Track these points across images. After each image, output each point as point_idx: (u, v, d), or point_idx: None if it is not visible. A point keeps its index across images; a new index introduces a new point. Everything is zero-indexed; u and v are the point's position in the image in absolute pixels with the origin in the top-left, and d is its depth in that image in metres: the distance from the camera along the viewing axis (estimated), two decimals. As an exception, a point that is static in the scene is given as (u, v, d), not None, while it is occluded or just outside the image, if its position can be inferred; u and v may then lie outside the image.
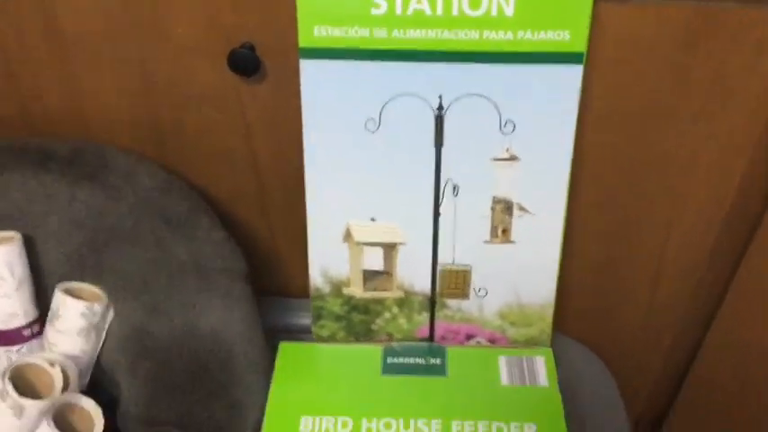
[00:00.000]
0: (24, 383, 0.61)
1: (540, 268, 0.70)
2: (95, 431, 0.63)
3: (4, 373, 0.59)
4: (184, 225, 0.66)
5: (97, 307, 0.67)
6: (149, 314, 0.66)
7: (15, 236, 0.68)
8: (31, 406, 0.59)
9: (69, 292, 0.68)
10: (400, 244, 0.70)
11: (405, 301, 0.73)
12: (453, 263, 0.71)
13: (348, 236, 0.71)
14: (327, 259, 0.71)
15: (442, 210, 0.68)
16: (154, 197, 0.67)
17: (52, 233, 0.68)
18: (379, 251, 0.71)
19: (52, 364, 0.62)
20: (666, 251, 0.84)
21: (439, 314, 0.73)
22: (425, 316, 0.74)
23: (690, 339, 0.99)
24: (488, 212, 0.68)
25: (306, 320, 0.74)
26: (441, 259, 0.71)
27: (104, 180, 0.67)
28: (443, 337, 0.74)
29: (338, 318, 0.74)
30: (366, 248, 0.71)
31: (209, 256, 0.66)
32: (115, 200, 0.66)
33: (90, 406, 0.63)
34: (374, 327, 0.74)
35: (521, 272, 0.70)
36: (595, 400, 0.73)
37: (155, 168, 0.68)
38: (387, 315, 0.74)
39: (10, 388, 0.58)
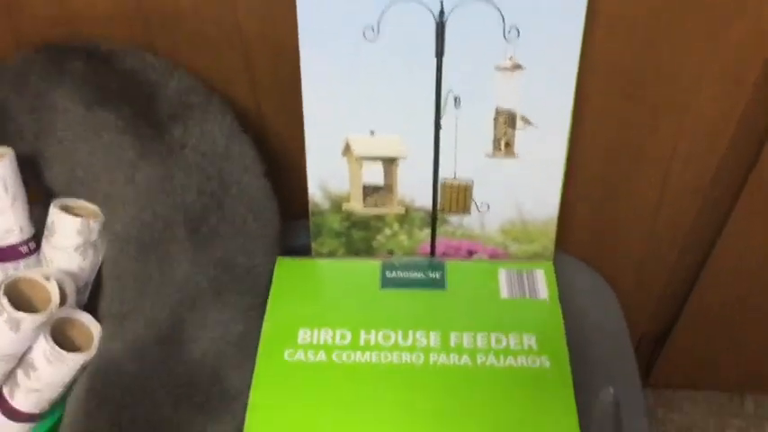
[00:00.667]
0: (20, 298, 0.60)
1: (544, 183, 0.68)
2: (93, 345, 0.62)
3: (1, 284, 0.59)
4: None
5: (93, 224, 0.66)
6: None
7: (7, 151, 0.66)
8: (27, 320, 0.58)
9: (65, 209, 0.67)
10: (400, 158, 0.69)
11: (405, 218, 0.72)
12: (455, 177, 0.69)
13: (347, 150, 0.69)
14: (326, 174, 0.70)
15: (443, 122, 0.67)
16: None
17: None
18: (379, 166, 0.70)
19: (48, 279, 0.61)
20: (672, 168, 0.82)
21: (440, 230, 0.72)
22: (426, 232, 0.73)
23: (694, 258, 0.99)
24: (491, 125, 0.66)
25: (304, 241, 0.73)
26: (442, 174, 0.70)
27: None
28: (445, 254, 0.73)
29: (338, 234, 0.73)
30: (366, 163, 0.69)
31: None
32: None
33: (88, 320, 0.63)
34: (375, 243, 0.73)
35: (524, 186, 0.69)
36: (598, 319, 0.72)
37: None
38: (387, 231, 0.73)
39: (5, 301, 0.58)
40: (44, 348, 0.60)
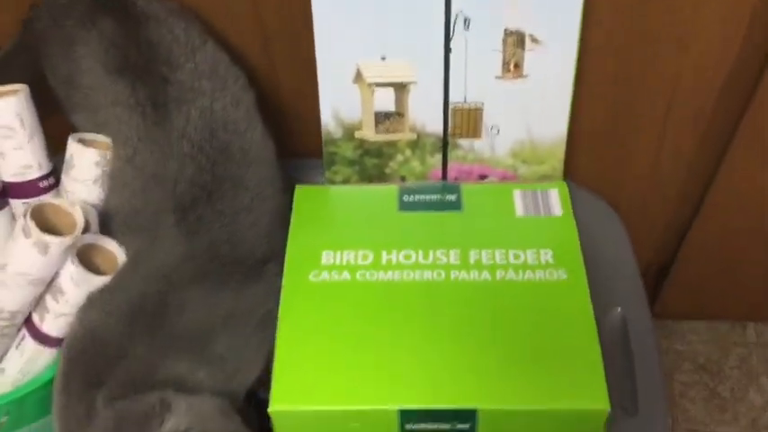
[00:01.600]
0: (46, 224, 0.61)
1: (553, 102, 0.69)
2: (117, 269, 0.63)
3: (25, 212, 0.59)
4: None
5: (110, 155, 0.67)
6: None
7: (22, 88, 0.67)
8: (55, 243, 0.59)
9: (83, 142, 0.67)
10: (411, 83, 0.70)
11: (417, 143, 0.73)
12: (465, 101, 0.70)
13: (358, 77, 0.70)
14: (338, 102, 0.71)
15: (452, 45, 0.67)
16: None
17: None
18: (391, 92, 0.71)
19: (72, 206, 0.62)
20: (675, 97, 0.83)
21: (451, 155, 0.73)
22: (438, 158, 0.74)
23: (697, 187, 1.00)
24: (500, 46, 0.67)
25: (318, 179, 0.74)
26: (452, 98, 0.70)
27: None
28: (456, 179, 0.74)
29: (351, 162, 0.74)
30: (377, 89, 0.70)
31: None
32: None
33: (111, 245, 0.64)
34: (387, 170, 0.74)
35: (533, 108, 0.70)
36: (605, 244, 0.73)
37: None
38: (399, 158, 0.74)
39: (32, 225, 0.58)
40: (71, 272, 0.61)
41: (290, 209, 0.68)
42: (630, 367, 0.80)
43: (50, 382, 0.67)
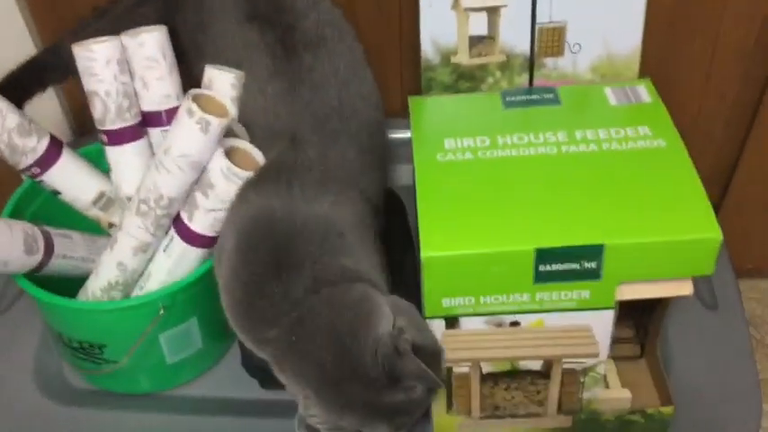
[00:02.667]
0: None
1: (628, 15, 0.79)
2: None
3: (187, 97, 0.67)
4: None
5: (242, 78, 0.75)
6: None
7: (162, 27, 0.76)
8: (215, 122, 0.67)
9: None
10: (502, 6, 0.79)
11: (506, 65, 0.82)
12: (550, 20, 0.80)
13: (456, 3, 0.79)
14: (437, 30, 0.80)
15: (539, -32, 0.77)
16: None
17: None
18: (484, 16, 0.80)
19: (224, 98, 0.70)
20: (721, 32, 0.93)
21: (537, 74, 0.82)
22: (525, 77, 0.83)
23: (740, 128, 1.08)
24: (581, -34, 0.77)
25: (405, 135, 0.79)
26: (538, 18, 0.80)
27: None
28: (543, 95, 0.82)
29: (447, 87, 0.82)
30: (471, 14, 0.80)
31: None
32: None
33: (251, 149, 0.72)
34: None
35: (610, 23, 0.79)
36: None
37: None
38: (490, 80, 0.83)
39: (194, 106, 0.66)
40: (221, 166, 0.68)
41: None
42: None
43: (198, 281, 0.73)
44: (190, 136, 0.66)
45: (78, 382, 0.84)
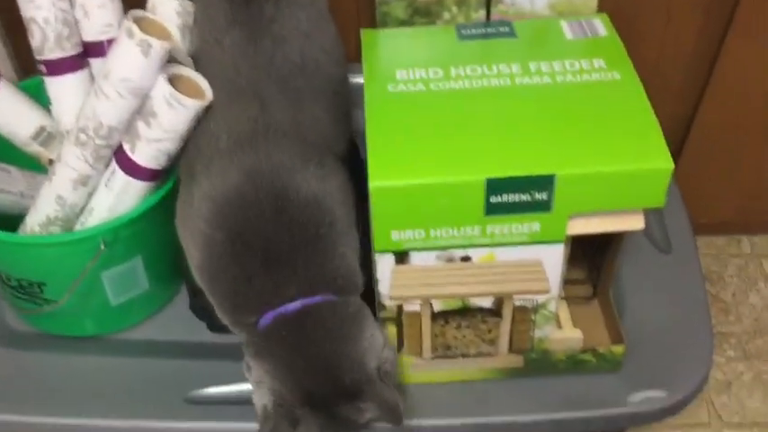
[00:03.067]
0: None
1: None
2: (206, 97, 0.68)
3: (127, 16, 0.64)
4: None
5: (189, 7, 0.72)
6: None
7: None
8: (156, 45, 0.64)
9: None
10: (458, -62, 0.77)
11: (463, 0, 0.80)
12: (506, -46, 0.78)
13: (410, -66, 0.77)
14: (391, -39, 0.78)
15: None
16: None
17: None
18: (439, -52, 0.78)
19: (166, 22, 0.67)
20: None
21: (494, 10, 0.81)
22: (482, 13, 0.81)
23: (697, 81, 1.08)
24: None
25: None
26: (495, -49, 0.78)
27: None
28: (499, 32, 0.81)
29: (402, 23, 0.80)
30: (426, -54, 0.77)
31: None
32: None
33: (196, 76, 0.69)
34: (435, 27, 0.81)
35: (567, -42, 0.78)
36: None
37: None
38: (446, 16, 0.81)
39: (135, 27, 0.63)
40: (164, 92, 0.66)
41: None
42: (661, 213, 0.88)
43: (143, 217, 0.71)
44: (130, 59, 0.63)
45: (19, 324, 0.82)
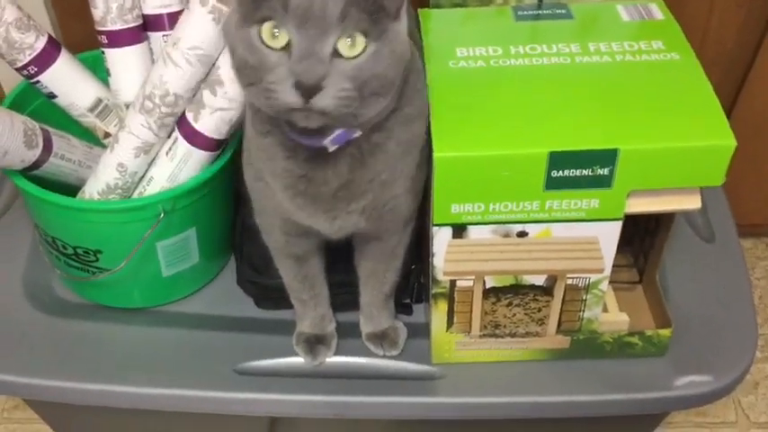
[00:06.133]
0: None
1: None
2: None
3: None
4: None
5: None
6: None
7: None
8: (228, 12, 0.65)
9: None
10: None
11: (518, -18, 0.81)
12: (563, -61, 0.79)
13: None
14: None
15: None
16: None
17: None
18: (496, -69, 0.79)
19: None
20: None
21: (548, -6, 0.81)
22: (535, -2, 0.81)
23: (735, 77, 1.09)
24: None
25: None
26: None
27: None
28: (552, 16, 0.82)
29: (456, 5, 0.81)
30: (484, -71, 0.78)
31: None
32: None
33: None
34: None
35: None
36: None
37: None
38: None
39: (211, -6, 0.64)
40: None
41: None
42: (704, 204, 0.88)
43: (201, 187, 0.71)
44: (201, 27, 0.64)
45: (69, 294, 0.82)
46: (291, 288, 0.73)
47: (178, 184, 0.71)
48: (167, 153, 0.71)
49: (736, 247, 0.86)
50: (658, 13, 0.73)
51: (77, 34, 0.76)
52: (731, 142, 0.62)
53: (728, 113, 1.10)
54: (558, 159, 0.62)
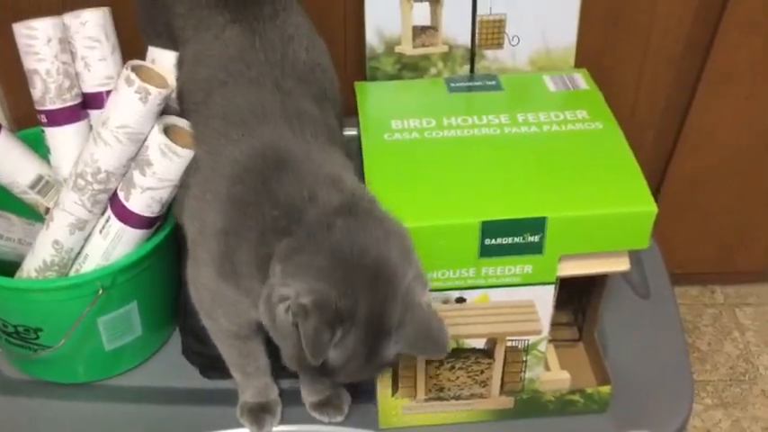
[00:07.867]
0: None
1: (564, 11, 0.82)
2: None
3: (126, 66, 0.67)
4: None
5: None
6: None
7: (104, 8, 0.75)
8: (154, 92, 0.66)
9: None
10: (445, -4, 0.82)
11: (448, 56, 0.84)
12: (490, 12, 0.82)
13: (400, -8, 0.81)
14: (382, 19, 0.82)
15: (480, -39, 0.80)
16: None
17: None
18: (426, 6, 0.82)
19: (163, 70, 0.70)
20: (651, 37, 0.97)
21: (478, 65, 0.85)
22: (466, 68, 0.85)
23: (670, 132, 1.13)
24: (520, -38, 0.80)
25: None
26: (479, 10, 0.83)
27: None
28: (484, 86, 0.85)
29: (391, 77, 0.84)
30: (415, 4, 0.82)
31: None
32: None
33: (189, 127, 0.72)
34: (423, 82, 0.85)
35: (548, 17, 0.82)
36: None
37: None
38: (433, 71, 0.85)
39: (133, 75, 0.66)
40: (159, 142, 0.68)
41: None
42: (640, 260, 0.91)
43: (140, 262, 0.72)
44: (129, 106, 0.66)
45: (11, 371, 0.81)
46: (234, 364, 0.73)
47: (114, 261, 0.71)
48: (101, 231, 0.72)
49: (670, 302, 0.89)
50: (583, 83, 0.77)
51: (24, 106, 0.77)
52: (652, 208, 0.64)
53: (665, 168, 1.14)
54: (490, 228, 0.64)
